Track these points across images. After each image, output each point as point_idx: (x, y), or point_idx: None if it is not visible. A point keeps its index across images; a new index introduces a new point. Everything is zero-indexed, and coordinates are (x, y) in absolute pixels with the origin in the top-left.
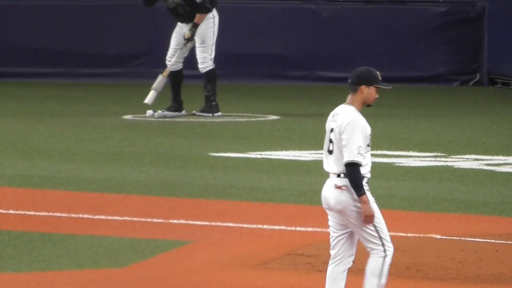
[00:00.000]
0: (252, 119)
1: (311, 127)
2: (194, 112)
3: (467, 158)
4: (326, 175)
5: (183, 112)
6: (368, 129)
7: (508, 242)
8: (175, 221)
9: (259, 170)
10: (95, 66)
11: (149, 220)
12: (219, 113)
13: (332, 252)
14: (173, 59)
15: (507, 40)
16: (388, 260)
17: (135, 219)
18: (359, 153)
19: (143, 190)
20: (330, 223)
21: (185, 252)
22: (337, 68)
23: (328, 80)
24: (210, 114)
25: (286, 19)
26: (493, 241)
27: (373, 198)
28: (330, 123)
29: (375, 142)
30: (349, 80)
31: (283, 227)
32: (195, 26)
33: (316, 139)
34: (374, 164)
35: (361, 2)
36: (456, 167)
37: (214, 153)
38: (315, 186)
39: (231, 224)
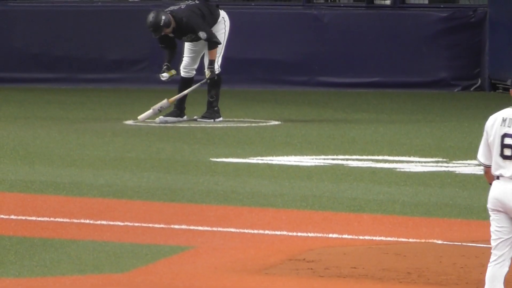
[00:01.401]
0: (253, 125)
1: (312, 132)
2: (195, 117)
3: (469, 164)
4: (328, 180)
5: (185, 118)
6: None
7: None
8: (176, 226)
9: (260, 176)
10: (95, 71)
11: (150, 225)
12: (220, 119)
13: (497, 253)
14: (187, 68)
15: (509, 45)
16: None
17: (136, 224)
18: None
19: (145, 196)
20: (497, 228)
21: (187, 257)
22: (338, 73)
23: (329, 85)
24: (212, 120)
25: (287, 24)
26: None
27: None
28: (504, 128)
29: (376, 147)
30: None
31: (284, 233)
32: (212, 63)
33: (317, 144)
34: (375, 169)
35: (362, 7)
36: (457, 172)
37: (215, 158)
38: (316, 191)
39: (232, 230)
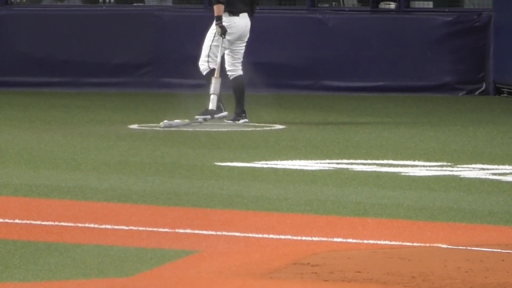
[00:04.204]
0: (258, 129)
1: (317, 137)
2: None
3: (473, 168)
4: (332, 184)
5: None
6: None
7: None
8: (181, 230)
9: (265, 180)
10: (99, 75)
11: (155, 229)
12: (245, 120)
13: None
14: (207, 58)
15: None
16: None
17: (141, 228)
18: None
19: (149, 200)
20: None
21: (191, 261)
22: (342, 77)
23: (334, 89)
24: (236, 122)
25: (292, 28)
26: (499, 250)
27: None
28: None
29: (381, 152)
30: None
31: (288, 237)
32: (217, 19)
33: (321, 149)
34: (379, 174)
35: (367, 11)
36: (462, 176)
37: (220, 162)
38: (321, 195)
39: (237, 234)
